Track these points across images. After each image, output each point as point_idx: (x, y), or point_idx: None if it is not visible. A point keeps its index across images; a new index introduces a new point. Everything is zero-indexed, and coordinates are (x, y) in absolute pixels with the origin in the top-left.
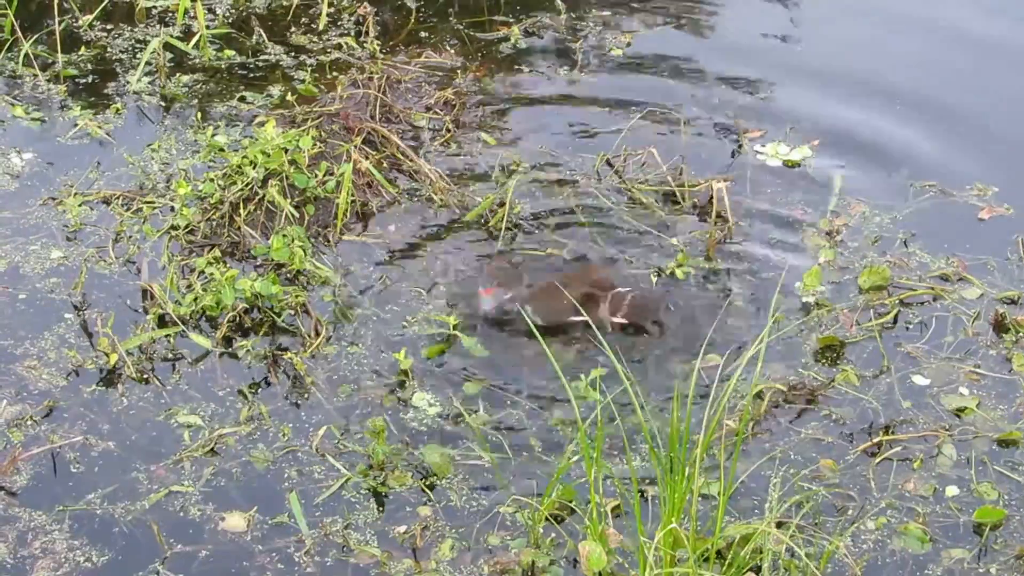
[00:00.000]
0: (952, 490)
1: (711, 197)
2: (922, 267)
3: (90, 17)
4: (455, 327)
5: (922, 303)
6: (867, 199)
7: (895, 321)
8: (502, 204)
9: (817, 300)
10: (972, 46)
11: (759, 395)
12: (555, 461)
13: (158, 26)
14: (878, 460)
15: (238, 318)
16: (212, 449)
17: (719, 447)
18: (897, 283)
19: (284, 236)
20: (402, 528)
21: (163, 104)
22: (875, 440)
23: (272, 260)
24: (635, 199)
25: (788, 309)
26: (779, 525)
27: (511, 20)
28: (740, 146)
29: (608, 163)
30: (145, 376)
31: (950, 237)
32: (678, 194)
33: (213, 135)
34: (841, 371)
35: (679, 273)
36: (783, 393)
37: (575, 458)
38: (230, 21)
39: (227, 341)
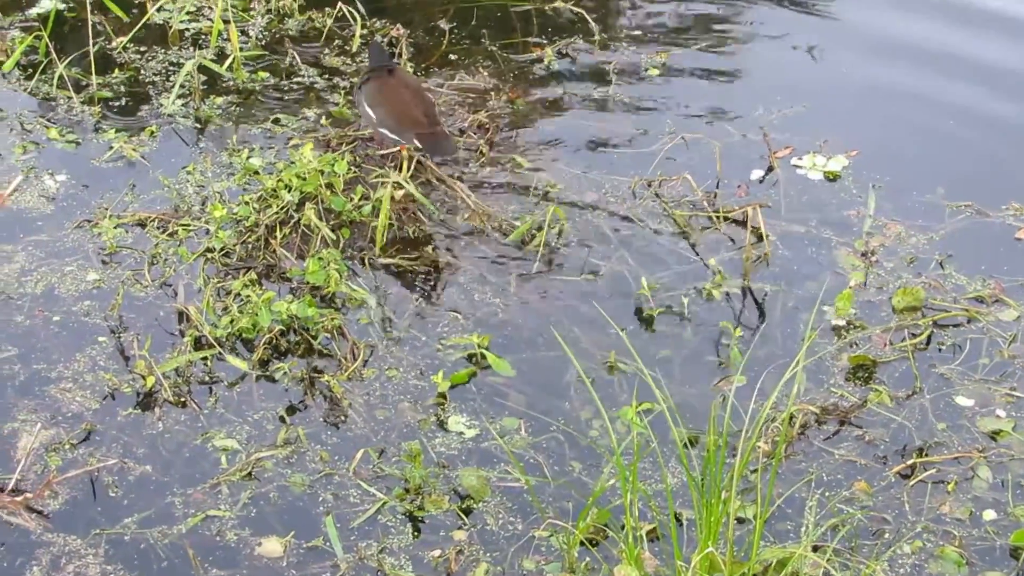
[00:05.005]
0: (989, 514)
1: (747, 218)
2: (958, 288)
3: (124, 39)
4: (481, 346)
5: (957, 325)
6: (902, 219)
7: (928, 342)
8: (540, 228)
9: (849, 321)
10: (1013, 59)
11: (792, 416)
12: (592, 484)
13: (192, 48)
14: (913, 483)
15: (274, 340)
16: (249, 473)
17: (754, 470)
18: (932, 304)
19: (320, 259)
20: (437, 552)
21: (197, 126)
22: (909, 462)
23: (308, 283)
24: (671, 220)
25: (822, 330)
26: (815, 549)
27: (544, 41)
28: (771, 167)
29: (644, 185)
30: (182, 399)
31: (986, 258)
32: (713, 216)
33: (248, 158)
34: (874, 391)
35: (716, 294)
36: (816, 415)
37: (611, 481)
38: (263, 43)
39: (263, 364)
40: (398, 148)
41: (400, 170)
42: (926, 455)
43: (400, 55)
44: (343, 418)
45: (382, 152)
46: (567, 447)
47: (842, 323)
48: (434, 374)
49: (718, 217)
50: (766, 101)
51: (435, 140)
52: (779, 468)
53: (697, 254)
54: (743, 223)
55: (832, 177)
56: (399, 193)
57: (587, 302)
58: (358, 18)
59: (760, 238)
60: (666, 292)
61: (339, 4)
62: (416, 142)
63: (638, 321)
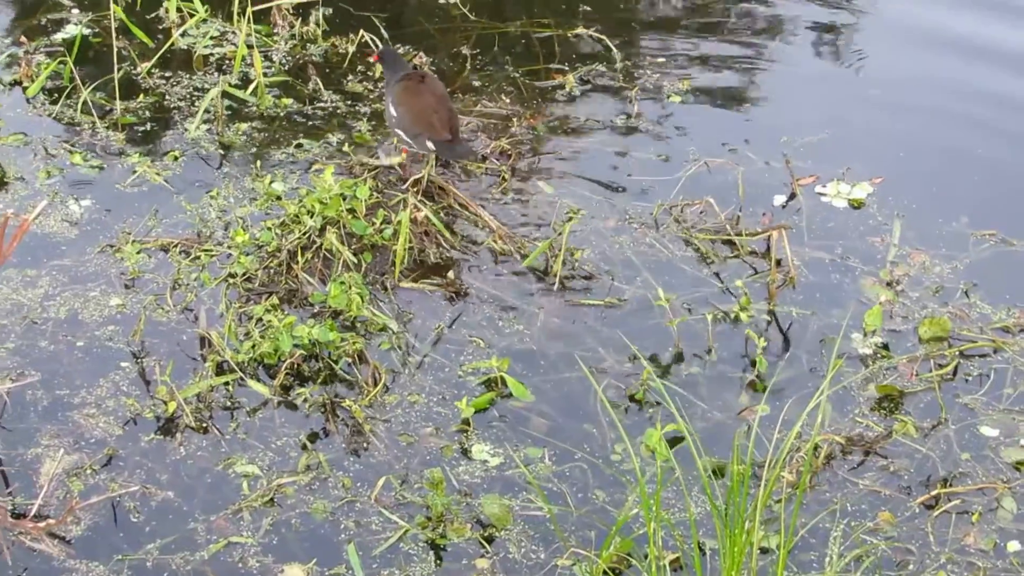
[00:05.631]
0: (1014, 545)
1: (770, 244)
2: (983, 318)
3: (148, 64)
4: (501, 370)
5: (983, 355)
6: (927, 247)
7: (955, 373)
8: (561, 251)
9: (875, 350)
10: None
11: (817, 447)
12: (616, 512)
13: (216, 73)
14: (937, 513)
15: (296, 366)
16: (271, 499)
17: (778, 499)
18: (958, 335)
19: (342, 283)
20: None
21: (221, 151)
22: (933, 493)
23: (330, 307)
24: (694, 246)
25: (847, 358)
26: None
27: (566, 68)
28: (793, 194)
29: (666, 210)
30: (203, 425)
31: (1012, 288)
32: (736, 241)
33: (271, 183)
34: (899, 422)
35: (743, 317)
36: (841, 445)
37: (634, 510)
38: (287, 68)
39: (285, 389)
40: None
41: (419, 192)
42: (950, 485)
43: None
44: (365, 444)
45: (406, 178)
46: (591, 475)
47: (868, 351)
48: (456, 400)
49: (741, 242)
50: (789, 129)
51: (450, 145)
52: (803, 498)
53: (721, 279)
54: (767, 249)
55: (857, 205)
56: (420, 215)
57: (611, 326)
58: (380, 45)
59: (779, 262)
60: (691, 317)
61: (361, 31)
62: (429, 144)
63: (662, 345)
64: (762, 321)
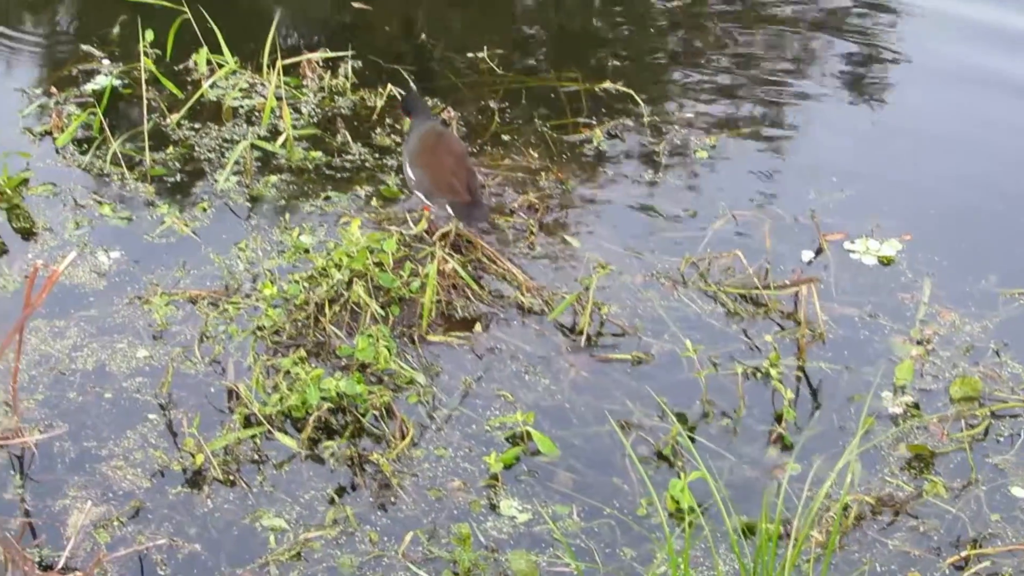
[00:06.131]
0: None
1: (798, 299)
2: (1014, 378)
3: (177, 116)
4: (527, 424)
5: (1014, 416)
6: (957, 306)
7: (986, 433)
8: (588, 305)
9: (906, 409)
10: None
11: (846, 506)
12: (643, 570)
13: (245, 125)
14: (967, 574)
15: (323, 419)
16: (298, 553)
17: (807, 559)
18: (989, 395)
19: (369, 336)
20: None
21: (249, 203)
22: (963, 554)
23: (357, 360)
24: (722, 301)
25: (877, 416)
26: None
27: (593, 122)
28: (820, 249)
29: (693, 265)
30: (231, 477)
31: None
32: (765, 296)
33: (299, 236)
34: (929, 482)
35: (773, 373)
36: (871, 505)
37: (662, 568)
38: (315, 121)
39: (313, 442)
40: (448, 227)
41: (446, 245)
42: (980, 547)
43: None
44: (392, 499)
45: (433, 231)
46: (618, 531)
47: (898, 410)
48: (483, 454)
49: (770, 297)
50: (817, 184)
51: (468, 208)
52: (832, 558)
53: (748, 335)
54: (795, 305)
55: (886, 261)
56: (447, 267)
57: (639, 381)
58: (404, 92)
59: (807, 320)
60: (720, 372)
61: (389, 85)
62: (449, 209)
63: (691, 400)
64: (791, 377)
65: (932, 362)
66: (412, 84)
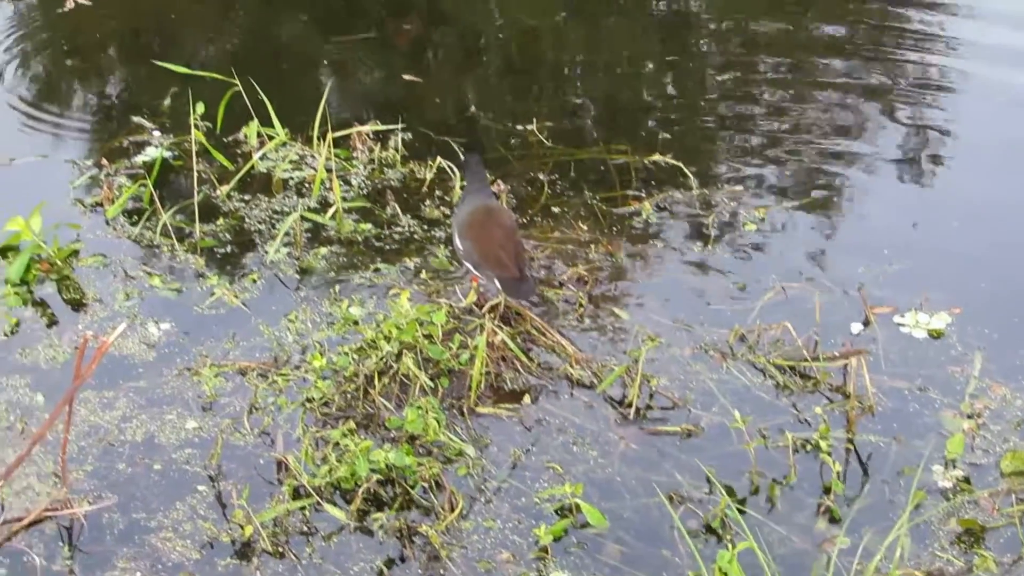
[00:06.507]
0: None
1: (847, 372)
2: None
3: (228, 188)
4: (576, 495)
5: None
6: (1007, 380)
7: None
8: (637, 377)
9: (956, 483)
10: None
11: None
12: None
13: (295, 197)
14: None
15: (372, 491)
16: None
17: None
18: None
19: (419, 408)
20: None
21: (299, 275)
22: None
23: (406, 432)
24: (770, 374)
25: (927, 490)
26: None
27: (643, 194)
28: (868, 321)
29: (742, 338)
30: (280, 549)
31: None
32: (814, 369)
33: (348, 308)
34: (979, 557)
35: (822, 445)
36: None
37: None
38: (365, 193)
39: (362, 514)
40: (496, 300)
41: (495, 317)
42: None
43: None
44: (441, 571)
45: (482, 303)
46: None
47: (949, 484)
48: (533, 526)
49: (819, 369)
50: (866, 257)
51: (515, 283)
52: None
53: (797, 408)
54: (844, 378)
55: (936, 335)
56: (497, 339)
57: (688, 453)
58: (458, 172)
59: (856, 393)
60: (769, 444)
61: (439, 158)
62: (496, 282)
63: (740, 473)
64: (840, 449)
65: (983, 436)
66: (462, 156)
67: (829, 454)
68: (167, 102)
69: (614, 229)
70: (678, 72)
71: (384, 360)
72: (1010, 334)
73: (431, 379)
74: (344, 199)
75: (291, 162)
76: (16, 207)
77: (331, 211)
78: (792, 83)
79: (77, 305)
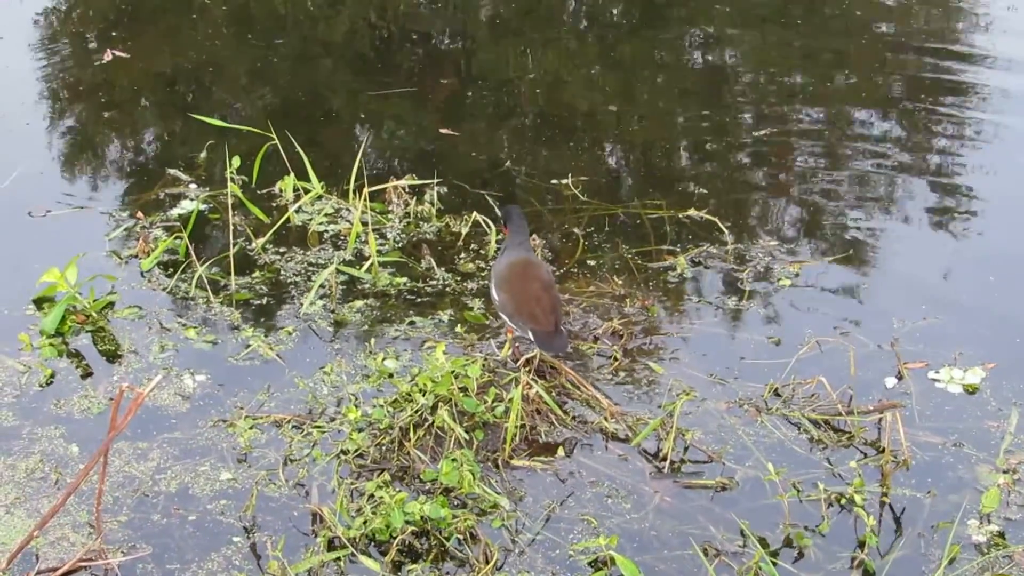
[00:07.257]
0: None
1: (881, 426)
2: None
3: (263, 240)
4: (610, 547)
5: None
6: None
7: None
8: (672, 431)
9: (991, 537)
10: None
11: None
12: None
13: (330, 250)
14: None
15: (407, 543)
16: None
17: None
18: None
19: (453, 460)
20: None
21: (334, 328)
22: None
23: (441, 484)
24: (805, 428)
25: (961, 544)
26: None
27: (678, 249)
28: (900, 375)
29: (776, 392)
30: None
31: None
32: (849, 423)
33: (383, 360)
34: None
35: (857, 499)
36: None
37: None
38: (400, 246)
39: (396, 566)
40: (532, 353)
41: (530, 371)
42: None
43: None
44: None
45: (517, 356)
46: None
47: (983, 539)
48: None
49: (854, 423)
50: (900, 312)
51: (549, 336)
52: None
53: (831, 462)
54: (878, 433)
55: (971, 390)
56: (531, 392)
57: (722, 507)
58: (492, 227)
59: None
60: (803, 497)
61: (474, 212)
62: (530, 335)
63: (774, 526)
64: (875, 503)
65: (1018, 491)
66: (497, 210)
67: (863, 508)
68: (203, 155)
69: (649, 283)
70: (713, 125)
71: (419, 412)
72: None
73: (466, 431)
74: (379, 252)
75: (327, 215)
76: (52, 259)
77: (367, 264)
78: (827, 136)
79: (112, 356)
